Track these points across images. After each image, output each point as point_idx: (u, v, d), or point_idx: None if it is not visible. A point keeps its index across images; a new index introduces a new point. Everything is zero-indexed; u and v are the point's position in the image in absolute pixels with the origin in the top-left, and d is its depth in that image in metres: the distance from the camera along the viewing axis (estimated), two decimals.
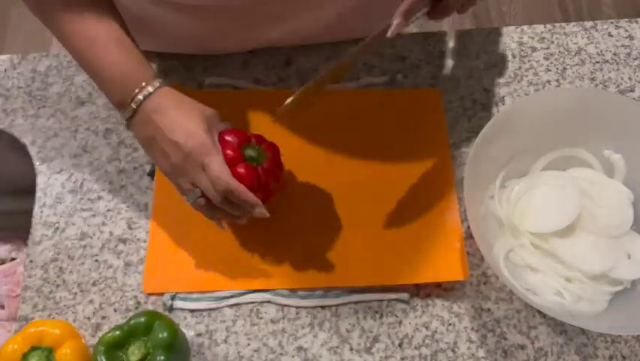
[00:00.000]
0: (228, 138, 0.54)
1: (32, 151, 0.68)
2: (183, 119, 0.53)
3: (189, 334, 0.60)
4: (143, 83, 0.53)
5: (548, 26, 0.75)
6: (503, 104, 0.70)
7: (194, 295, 0.61)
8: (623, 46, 0.74)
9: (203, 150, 0.52)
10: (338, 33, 0.71)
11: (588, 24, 0.75)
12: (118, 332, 0.52)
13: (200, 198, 0.53)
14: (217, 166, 0.52)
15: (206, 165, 0.52)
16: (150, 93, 0.53)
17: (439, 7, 0.49)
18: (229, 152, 0.53)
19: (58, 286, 0.62)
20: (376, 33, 0.50)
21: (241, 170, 0.53)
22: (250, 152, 0.55)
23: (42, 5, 0.54)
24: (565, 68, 0.72)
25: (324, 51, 0.72)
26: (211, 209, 0.55)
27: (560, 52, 0.73)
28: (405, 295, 0.60)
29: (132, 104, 0.53)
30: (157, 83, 0.53)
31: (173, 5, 0.60)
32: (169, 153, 0.53)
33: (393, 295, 0.61)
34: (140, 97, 0.53)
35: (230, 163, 0.53)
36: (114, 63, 0.54)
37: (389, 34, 0.47)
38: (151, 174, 0.66)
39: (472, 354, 0.59)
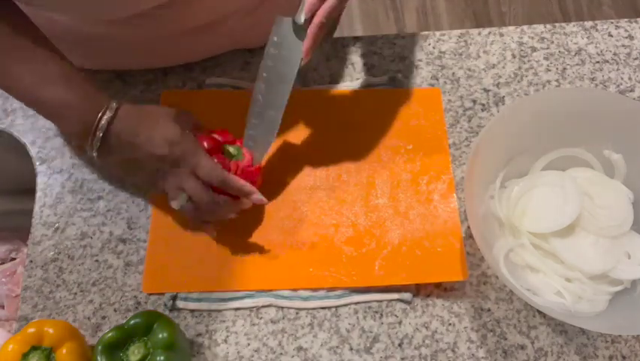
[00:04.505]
0: (206, 143, 0.57)
1: (32, 151, 0.68)
2: (158, 131, 0.54)
3: (189, 334, 0.60)
4: (102, 109, 0.53)
5: (548, 26, 0.75)
6: (503, 104, 0.70)
7: (195, 296, 0.61)
8: (623, 46, 0.74)
9: (189, 152, 0.54)
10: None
11: (588, 24, 0.75)
12: (118, 332, 0.52)
13: (189, 202, 0.56)
14: (207, 162, 0.55)
15: (196, 165, 0.54)
16: (113, 116, 0.53)
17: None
18: (216, 156, 0.57)
19: (58, 286, 0.62)
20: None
21: (230, 164, 0.57)
22: (231, 150, 0.59)
23: None
24: (565, 68, 0.72)
25: (325, 51, 0.72)
26: (199, 211, 0.57)
27: (559, 52, 0.73)
28: (407, 295, 0.60)
29: (98, 132, 0.53)
30: (115, 104, 0.53)
31: (116, 23, 0.58)
32: (156, 167, 0.55)
33: (395, 296, 0.61)
34: (104, 122, 0.53)
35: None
36: (69, 97, 0.53)
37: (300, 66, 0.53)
38: None
39: (472, 354, 0.59)
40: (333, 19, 0.53)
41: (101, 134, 0.53)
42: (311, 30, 0.52)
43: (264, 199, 0.58)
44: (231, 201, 0.58)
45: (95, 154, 0.55)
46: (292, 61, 0.56)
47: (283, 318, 0.60)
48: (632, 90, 0.71)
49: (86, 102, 0.53)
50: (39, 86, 0.53)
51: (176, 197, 0.56)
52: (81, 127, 0.53)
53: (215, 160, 0.56)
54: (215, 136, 0.59)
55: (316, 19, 0.51)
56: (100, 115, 0.53)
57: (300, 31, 0.54)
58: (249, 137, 0.60)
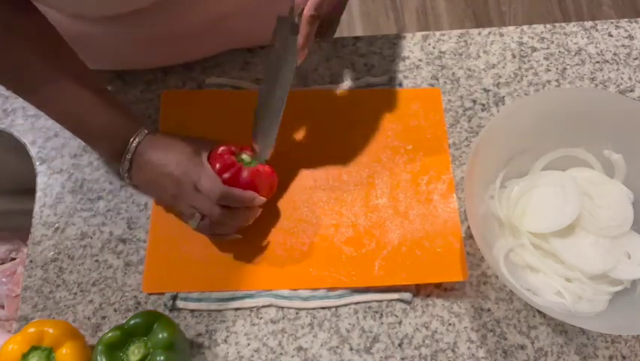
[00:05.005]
0: (222, 147, 0.59)
1: (32, 151, 0.68)
2: (171, 153, 0.58)
3: (189, 334, 0.60)
4: (133, 136, 0.58)
5: (548, 26, 0.75)
6: (503, 104, 0.70)
7: (195, 296, 0.61)
8: (623, 46, 0.74)
9: (192, 171, 0.57)
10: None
11: (588, 24, 0.75)
12: (118, 332, 0.52)
13: (203, 220, 0.57)
14: (206, 179, 0.56)
15: (197, 183, 0.56)
16: (140, 141, 0.58)
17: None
18: (226, 157, 0.58)
19: (58, 286, 0.62)
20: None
21: (237, 170, 0.58)
22: (245, 157, 0.59)
23: (22, 80, 0.55)
24: (565, 68, 0.72)
25: (325, 51, 0.72)
26: (216, 227, 0.58)
27: (559, 52, 0.73)
28: (407, 295, 0.60)
29: (128, 155, 0.58)
30: (145, 131, 0.58)
31: (106, 21, 0.59)
32: (166, 185, 0.58)
33: (395, 296, 0.61)
34: (134, 145, 0.58)
35: (226, 168, 0.57)
36: (103, 123, 0.58)
37: (298, 64, 0.54)
38: None
39: (472, 354, 0.59)
40: (331, 16, 0.53)
41: (129, 157, 0.58)
42: (302, 26, 0.53)
43: (264, 199, 0.58)
44: (243, 210, 0.58)
45: (125, 175, 0.59)
46: (290, 59, 0.56)
47: (283, 318, 0.60)
48: (632, 90, 0.71)
49: (124, 129, 0.58)
50: (80, 113, 0.57)
51: (190, 217, 0.58)
52: (115, 151, 0.58)
53: (229, 162, 0.57)
54: (223, 148, 0.59)
55: (305, 14, 0.52)
56: (132, 140, 0.58)
57: (297, 29, 0.55)
58: (254, 135, 0.61)
